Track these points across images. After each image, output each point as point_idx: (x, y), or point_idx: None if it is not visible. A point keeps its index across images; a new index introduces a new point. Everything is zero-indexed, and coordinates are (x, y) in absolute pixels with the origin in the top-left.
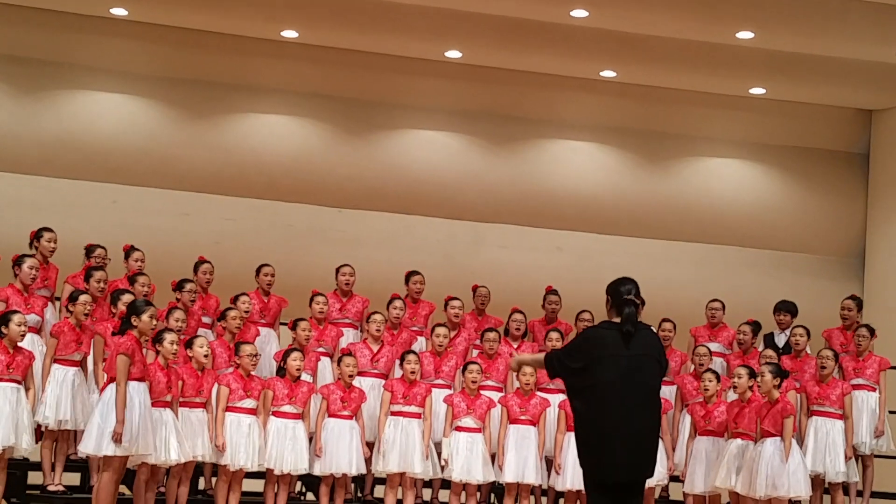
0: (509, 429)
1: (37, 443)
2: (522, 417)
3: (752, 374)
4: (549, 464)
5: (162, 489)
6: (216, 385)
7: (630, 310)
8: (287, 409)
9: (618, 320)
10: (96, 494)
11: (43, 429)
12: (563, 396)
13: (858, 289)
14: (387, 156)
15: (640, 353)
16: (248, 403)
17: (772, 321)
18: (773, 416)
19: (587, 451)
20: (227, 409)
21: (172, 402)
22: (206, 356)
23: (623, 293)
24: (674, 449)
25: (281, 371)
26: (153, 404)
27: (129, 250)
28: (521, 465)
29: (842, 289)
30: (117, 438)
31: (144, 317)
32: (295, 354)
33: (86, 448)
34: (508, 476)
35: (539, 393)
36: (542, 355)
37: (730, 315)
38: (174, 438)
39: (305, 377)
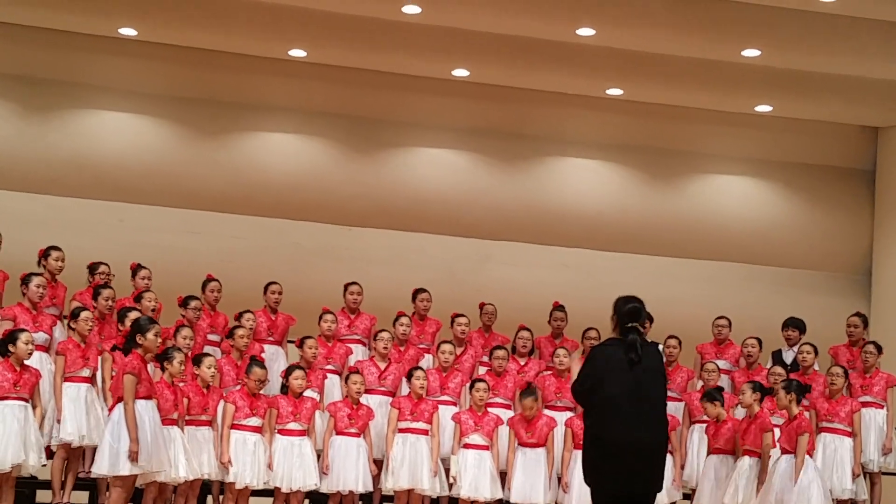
0: (517, 451)
1: (48, 459)
2: (530, 441)
3: (757, 389)
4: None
5: None
6: (222, 402)
7: (633, 337)
8: (292, 426)
9: (622, 338)
10: None
11: (53, 447)
12: (569, 414)
13: (865, 306)
14: (394, 174)
15: (646, 367)
16: (254, 421)
17: (778, 338)
18: (789, 433)
19: (595, 467)
20: (233, 426)
21: (179, 419)
22: (212, 376)
23: (626, 316)
24: (682, 466)
25: (284, 388)
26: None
27: (136, 268)
28: (529, 487)
29: (848, 306)
30: (134, 457)
31: (149, 335)
32: (297, 372)
33: (100, 469)
34: (516, 497)
35: (546, 411)
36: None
37: (736, 332)
38: (182, 456)
39: (311, 394)
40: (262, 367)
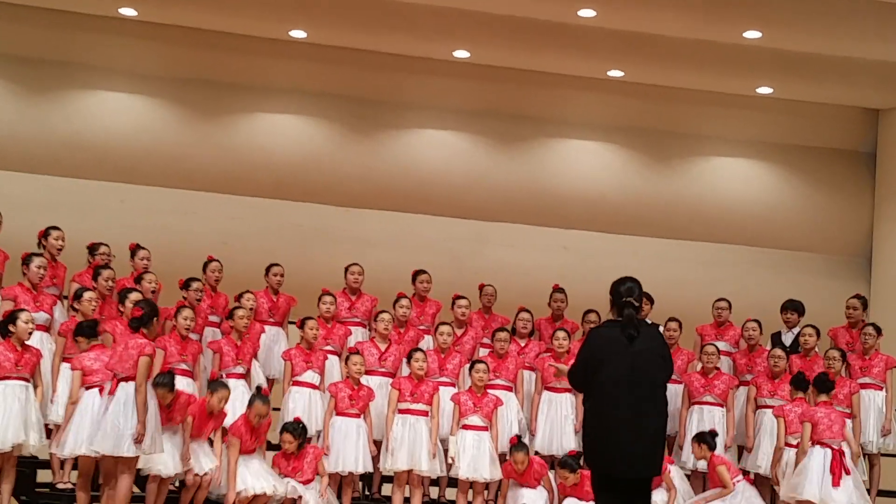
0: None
1: (47, 439)
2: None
3: (704, 441)
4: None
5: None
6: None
7: (629, 311)
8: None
9: (619, 319)
10: (114, 497)
11: (52, 426)
12: (568, 395)
13: (865, 288)
14: (394, 155)
15: (645, 348)
16: (255, 463)
17: (777, 320)
18: (713, 479)
19: (595, 449)
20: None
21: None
22: (220, 404)
23: (622, 294)
24: (681, 447)
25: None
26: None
27: (134, 249)
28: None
29: (848, 288)
30: (140, 439)
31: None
32: (311, 322)
33: (102, 448)
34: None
35: (546, 392)
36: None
37: (736, 314)
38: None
39: (312, 374)
40: (266, 401)
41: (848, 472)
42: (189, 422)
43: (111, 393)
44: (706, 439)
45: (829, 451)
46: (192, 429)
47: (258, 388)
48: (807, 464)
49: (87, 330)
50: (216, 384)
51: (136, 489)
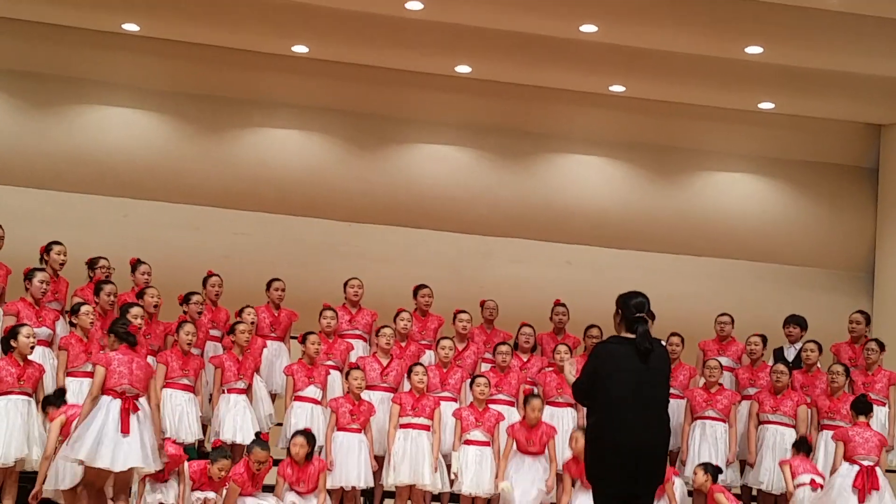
0: (515, 456)
1: None
2: (531, 449)
3: (708, 471)
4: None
5: None
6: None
7: (643, 328)
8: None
9: (628, 335)
10: None
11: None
12: (569, 410)
13: (868, 303)
14: (397, 170)
15: (654, 368)
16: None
17: (780, 335)
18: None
19: (598, 465)
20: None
21: None
22: (220, 472)
23: (633, 309)
24: (683, 462)
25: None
26: None
27: (135, 263)
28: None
29: (851, 303)
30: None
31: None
32: (312, 337)
33: (137, 462)
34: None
35: (547, 407)
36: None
37: (738, 329)
38: None
39: (314, 389)
40: (265, 447)
41: (877, 488)
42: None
43: (134, 410)
44: (711, 470)
45: (856, 467)
46: (194, 486)
47: (257, 434)
48: (835, 480)
49: (124, 335)
50: (217, 453)
51: None
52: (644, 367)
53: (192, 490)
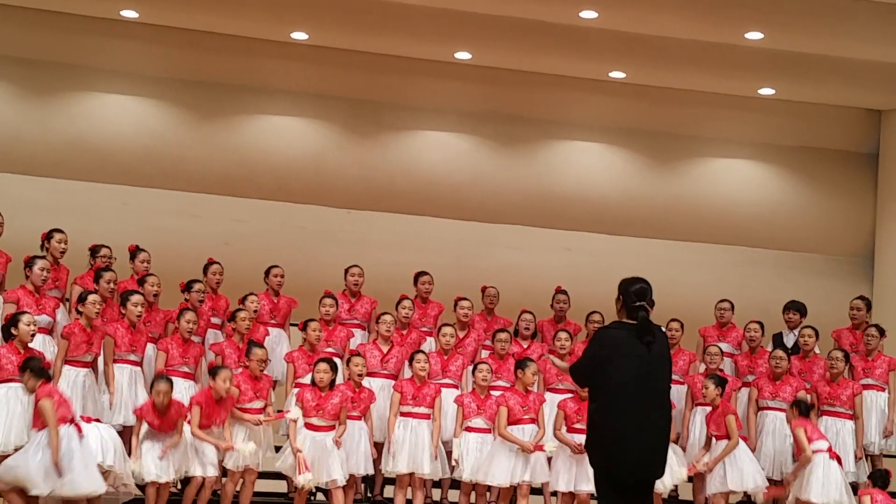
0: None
1: None
2: (525, 417)
3: (718, 384)
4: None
5: None
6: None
7: (643, 315)
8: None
9: (629, 321)
10: None
11: None
12: (570, 396)
13: (868, 289)
14: (396, 157)
15: (656, 354)
16: (257, 404)
17: (779, 321)
18: (716, 420)
19: (601, 452)
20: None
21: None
22: (226, 389)
23: (634, 296)
24: (684, 449)
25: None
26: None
27: (134, 251)
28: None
29: (851, 289)
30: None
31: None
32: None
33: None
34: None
35: (548, 394)
36: (568, 365)
37: (738, 315)
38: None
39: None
40: (262, 347)
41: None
42: (182, 425)
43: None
44: (799, 405)
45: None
46: (203, 419)
47: (250, 340)
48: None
49: (39, 371)
50: (214, 369)
51: (139, 492)
52: (646, 352)
53: (205, 427)
